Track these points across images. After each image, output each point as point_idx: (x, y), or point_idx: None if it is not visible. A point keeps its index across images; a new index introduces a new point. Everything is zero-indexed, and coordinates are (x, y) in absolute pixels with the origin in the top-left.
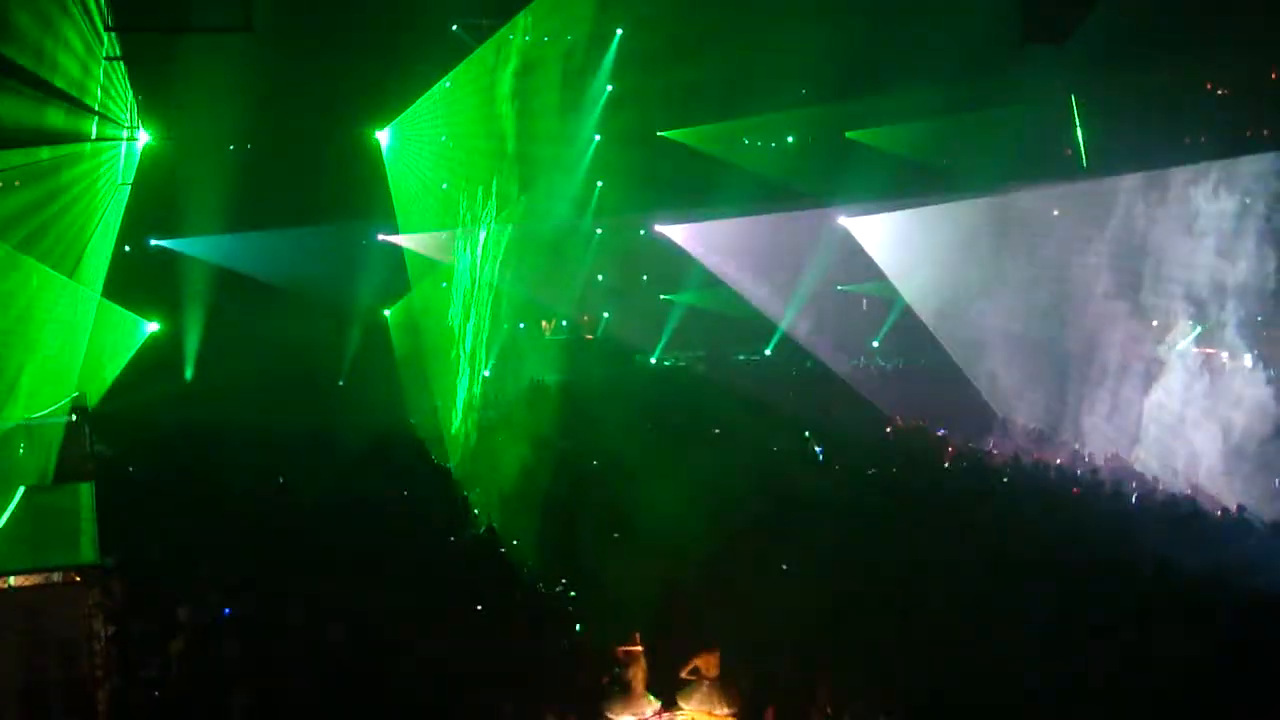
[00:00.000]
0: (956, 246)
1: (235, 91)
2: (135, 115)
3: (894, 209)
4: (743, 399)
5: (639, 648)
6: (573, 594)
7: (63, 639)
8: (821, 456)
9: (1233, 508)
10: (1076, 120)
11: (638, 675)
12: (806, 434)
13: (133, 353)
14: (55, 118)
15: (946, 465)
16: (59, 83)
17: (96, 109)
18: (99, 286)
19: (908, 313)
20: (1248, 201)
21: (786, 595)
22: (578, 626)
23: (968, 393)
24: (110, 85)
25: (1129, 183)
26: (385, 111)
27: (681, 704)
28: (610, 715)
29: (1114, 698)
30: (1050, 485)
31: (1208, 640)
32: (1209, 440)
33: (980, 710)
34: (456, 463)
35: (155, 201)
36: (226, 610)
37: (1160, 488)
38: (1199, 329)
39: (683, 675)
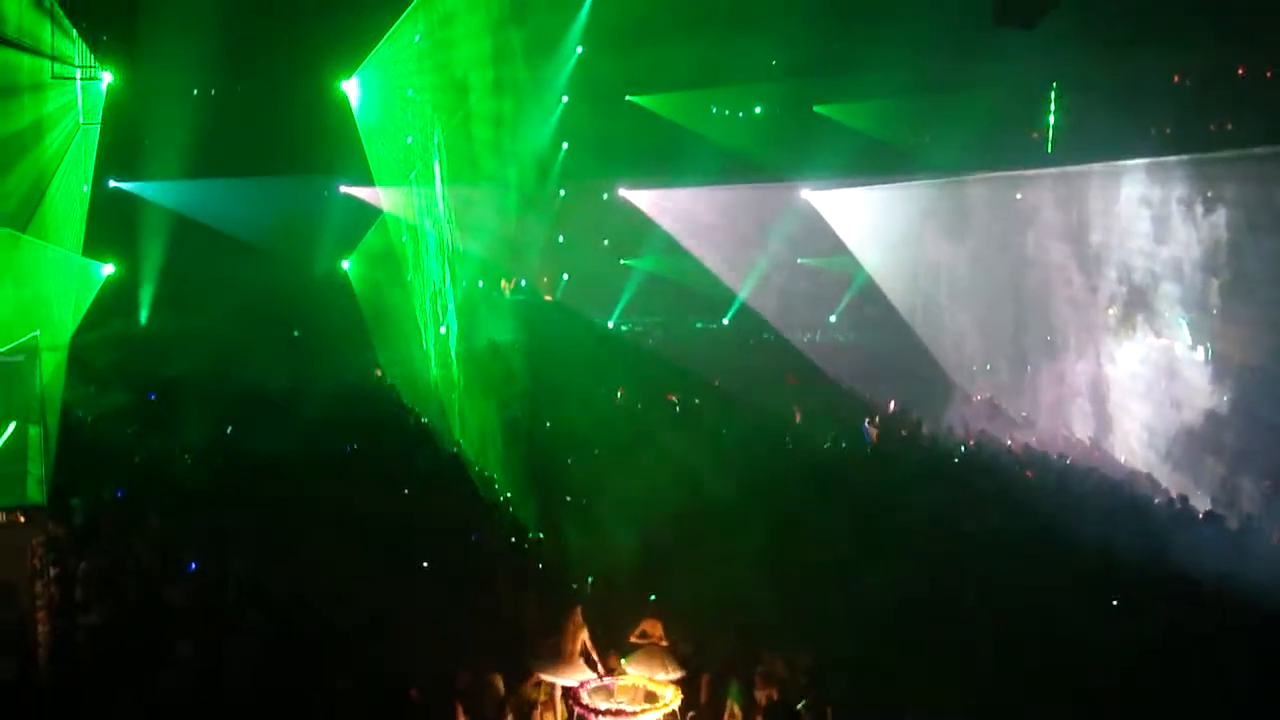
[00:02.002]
0: (919, 225)
1: (199, 35)
2: (92, 56)
3: (858, 185)
4: (698, 368)
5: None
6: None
7: (4, 579)
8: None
9: (1174, 495)
10: (1051, 105)
11: (574, 639)
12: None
13: (92, 296)
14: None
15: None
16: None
17: (49, 52)
18: (61, 227)
19: (866, 288)
20: (1209, 195)
21: (734, 565)
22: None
23: (926, 368)
24: (60, 26)
25: (1093, 171)
26: (351, 60)
27: (626, 668)
28: (542, 676)
29: (1046, 677)
30: (1001, 466)
31: (1142, 627)
32: (1156, 428)
33: (920, 681)
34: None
35: (115, 143)
36: (193, 565)
37: (1108, 472)
38: (1183, 322)
39: (630, 639)
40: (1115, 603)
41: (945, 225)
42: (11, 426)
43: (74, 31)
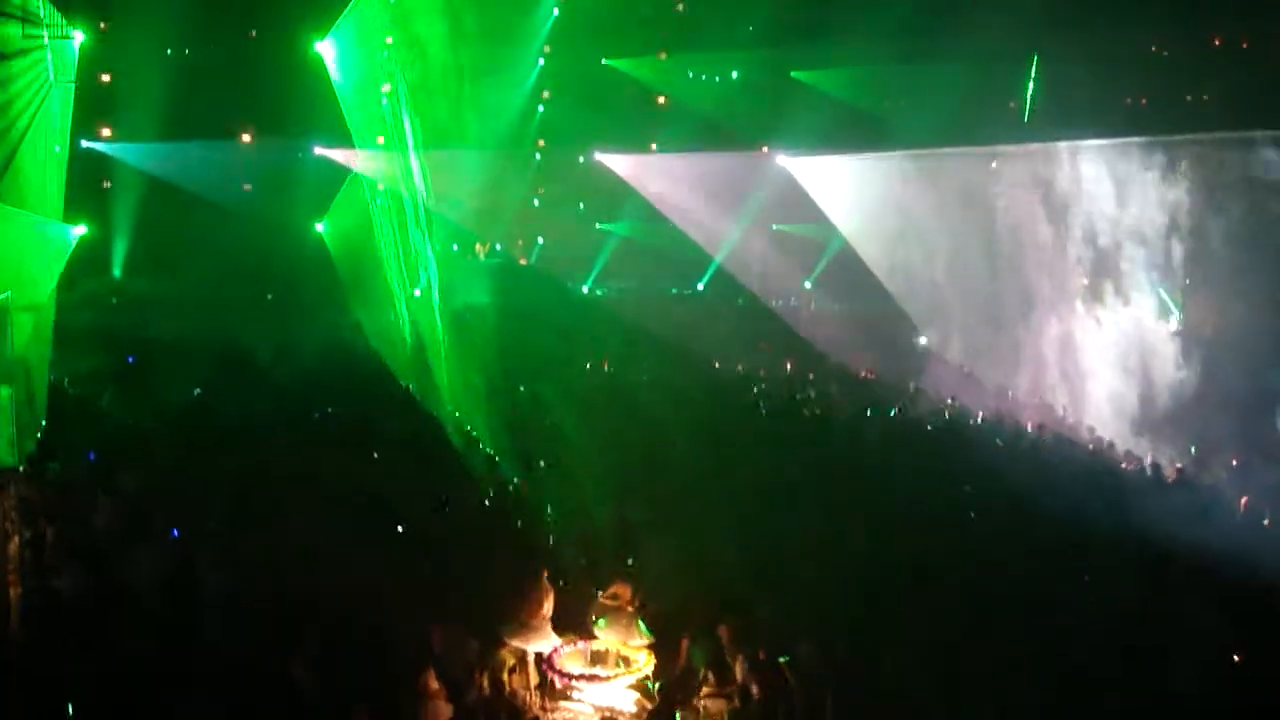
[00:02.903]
0: (895, 193)
1: None
2: (61, 16)
3: (835, 154)
4: (672, 334)
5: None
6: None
7: None
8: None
9: (1146, 463)
10: (1032, 76)
11: (544, 603)
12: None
13: (66, 258)
14: None
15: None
16: None
17: (17, 13)
18: (36, 189)
19: (842, 254)
20: (1179, 166)
21: (708, 530)
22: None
23: (902, 333)
24: None
25: (1067, 145)
26: (325, 19)
27: (598, 634)
28: (512, 640)
29: (1016, 646)
30: (972, 435)
31: (1113, 596)
32: (1128, 396)
33: (894, 651)
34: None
35: (87, 104)
36: (175, 532)
37: (1080, 440)
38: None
39: (601, 600)
40: (1085, 575)
41: (920, 194)
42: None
43: None
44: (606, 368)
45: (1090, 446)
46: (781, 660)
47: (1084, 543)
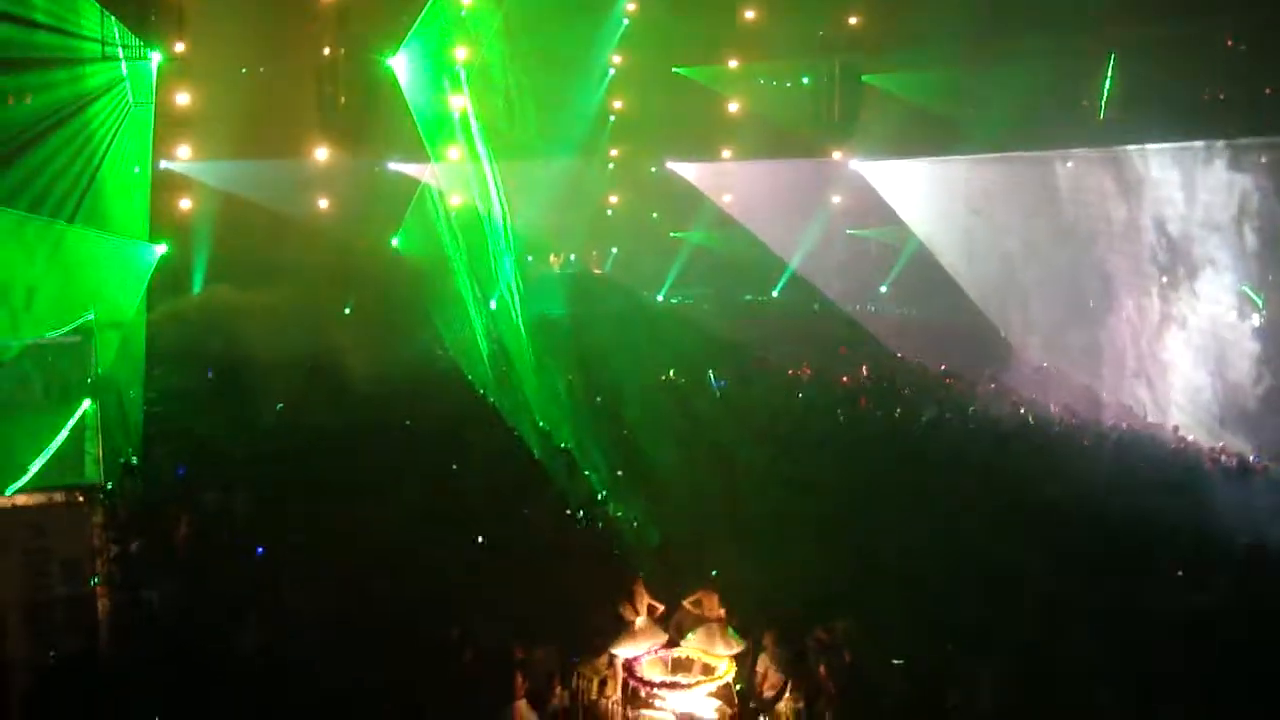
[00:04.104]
0: (970, 196)
1: (246, 16)
2: (137, 38)
3: (908, 158)
4: (748, 340)
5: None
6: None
7: (66, 557)
8: (719, 390)
9: (1230, 459)
10: (1108, 75)
11: (632, 611)
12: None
13: (148, 277)
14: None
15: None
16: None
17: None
18: (119, 210)
19: (917, 256)
20: (1261, 164)
21: (789, 537)
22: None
23: (980, 334)
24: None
25: (1145, 148)
26: (401, 40)
27: (681, 642)
28: (614, 651)
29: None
30: (1053, 435)
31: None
32: (1211, 393)
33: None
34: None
35: (165, 123)
36: (260, 550)
37: (1164, 438)
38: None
39: (684, 608)
40: (1174, 573)
41: (994, 195)
42: (84, 404)
43: (112, 18)
44: (674, 376)
45: (1173, 444)
46: (896, 663)
47: (1170, 541)
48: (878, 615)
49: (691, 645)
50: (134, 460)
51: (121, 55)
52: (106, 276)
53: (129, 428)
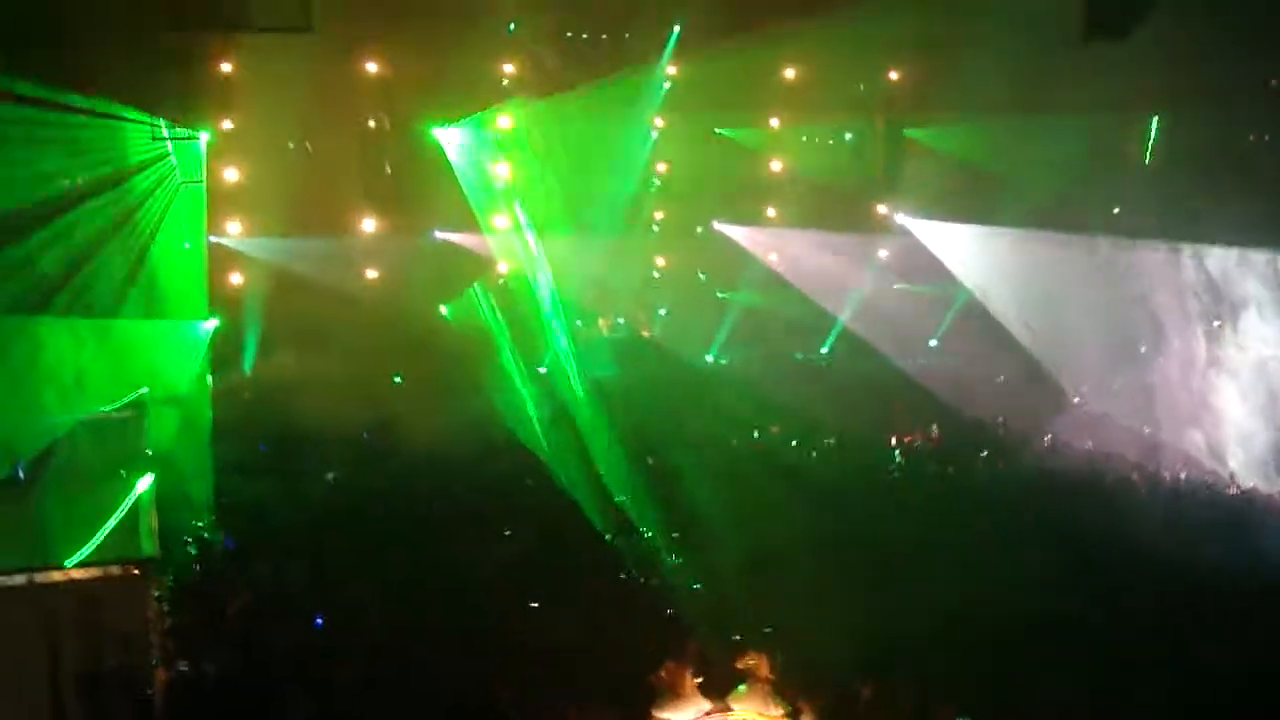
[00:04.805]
0: (1020, 249)
1: (292, 91)
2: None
3: (951, 220)
4: (798, 399)
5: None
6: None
7: (122, 630)
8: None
9: None
10: (1153, 129)
11: (686, 674)
12: None
13: (203, 353)
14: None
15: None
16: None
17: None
18: (174, 288)
19: (966, 310)
20: None
21: (844, 596)
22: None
23: (1036, 386)
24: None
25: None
26: (445, 110)
27: (733, 704)
28: (658, 714)
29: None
30: (1110, 484)
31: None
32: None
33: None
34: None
35: (215, 200)
36: (319, 621)
37: (1221, 488)
38: None
39: (738, 670)
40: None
41: (1043, 249)
42: (148, 477)
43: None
44: (724, 437)
45: (1231, 491)
46: None
47: (1231, 593)
48: (936, 672)
49: (745, 707)
50: (204, 534)
51: (167, 135)
52: (159, 353)
53: (193, 502)
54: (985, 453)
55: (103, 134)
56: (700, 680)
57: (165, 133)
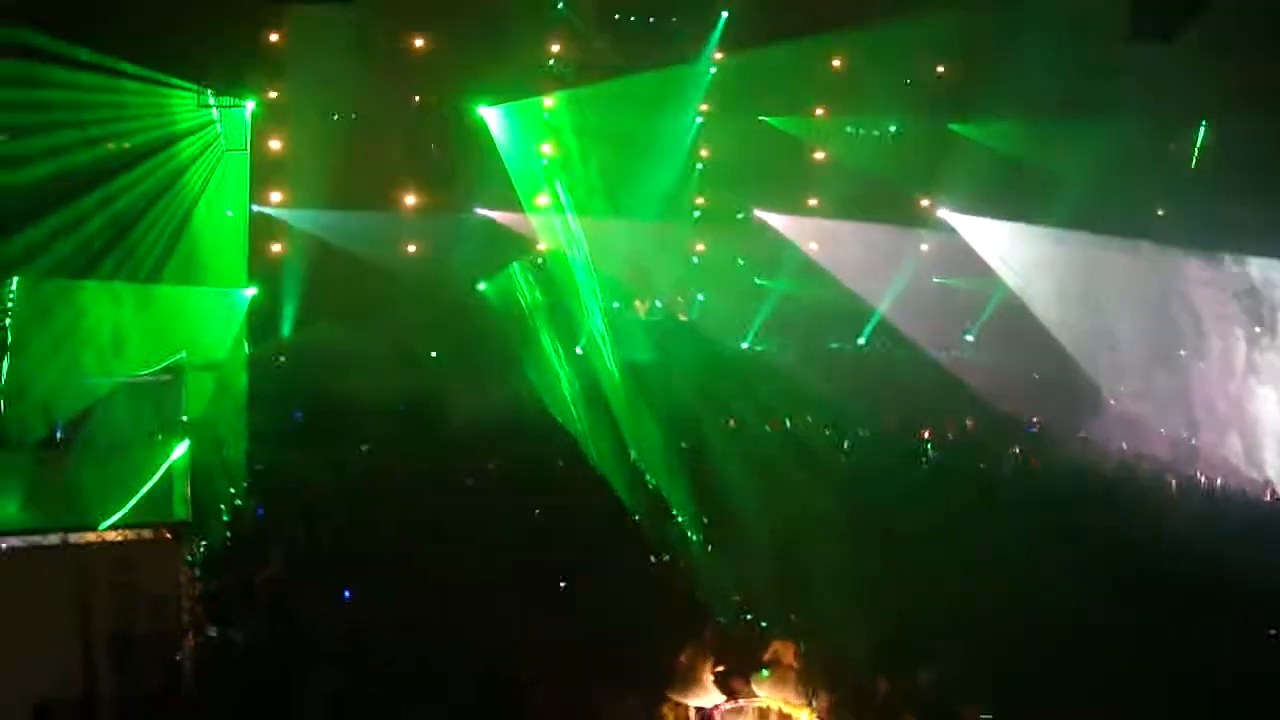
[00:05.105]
0: (1061, 247)
1: (338, 62)
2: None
3: (993, 216)
4: (833, 388)
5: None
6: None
7: (153, 593)
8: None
9: None
10: (1200, 136)
11: (707, 660)
12: None
13: (240, 320)
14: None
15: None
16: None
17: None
18: (215, 254)
19: (1004, 305)
20: None
21: (871, 588)
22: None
23: (1072, 384)
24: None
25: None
26: (489, 87)
27: (759, 690)
28: (675, 698)
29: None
30: (1143, 486)
31: None
32: None
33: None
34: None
35: (259, 169)
36: (347, 593)
37: (1256, 492)
38: None
39: (765, 658)
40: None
41: (1084, 247)
42: (180, 444)
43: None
44: (733, 424)
45: (1268, 495)
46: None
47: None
48: (960, 665)
49: (770, 695)
50: (237, 501)
51: (213, 103)
52: (198, 319)
53: (227, 468)
54: (1017, 449)
55: (149, 100)
56: (722, 667)
57: (211, 100)
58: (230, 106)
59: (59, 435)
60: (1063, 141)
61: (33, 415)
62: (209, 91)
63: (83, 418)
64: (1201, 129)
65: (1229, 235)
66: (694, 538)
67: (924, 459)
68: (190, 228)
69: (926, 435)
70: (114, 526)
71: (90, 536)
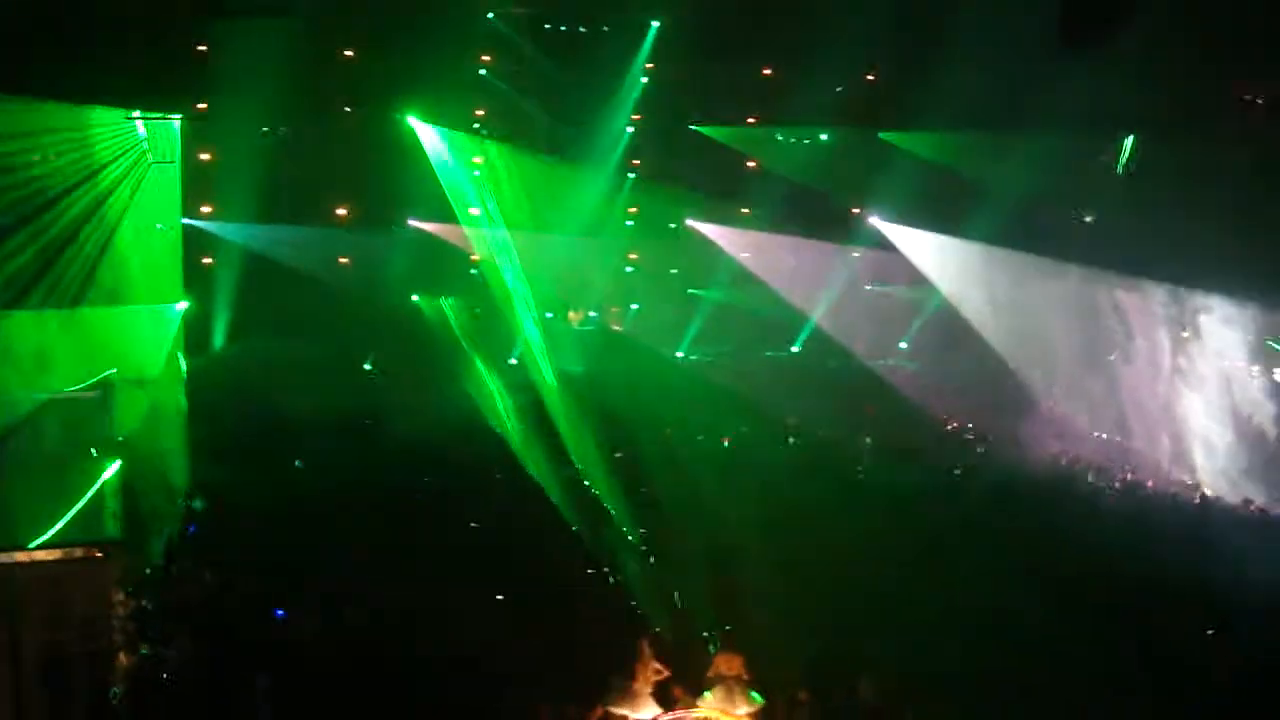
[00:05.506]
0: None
1: (268, 75)
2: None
3: (923, 228)
4: (765, 397)
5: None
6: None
7: (84, 613)
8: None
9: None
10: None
11: (647, 671)
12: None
13: (173, 334)
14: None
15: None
16: None
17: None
18: (144, 268)
19: (938, 313)
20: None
21: (808, 597)
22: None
23: (1004, 390)
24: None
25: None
26: (420, 98)
27: (699, 703)
28: (613, 710)
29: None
30: (1075, 489)
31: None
32: (1229, 445)
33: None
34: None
35: (188, 182)
36: (279, 612)
37: (1186, 495)
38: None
39: (708, 676)
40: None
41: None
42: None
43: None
44: (669, 433)
45: (1198, 497)
46: None
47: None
48: (899, 672)
49: (710, 705)
50: (170, 518)
51: (139, 116)
52: (127, 337)
53: (161, 484)
54: (954, 454)
55: (72, 123)
56: (661, 678)
57: (137, 114)
58: (158, 119)
59: None
60: (992, 150)
61: None
62: (135, 109)
63: (8, 435)
64: (1129, 139)
65: (1155, 241)
66: (632, 548)
67: (859, 466)
68: (117, 244)
69: (866, 442)
70: (44, 545)
71: (19, 556)
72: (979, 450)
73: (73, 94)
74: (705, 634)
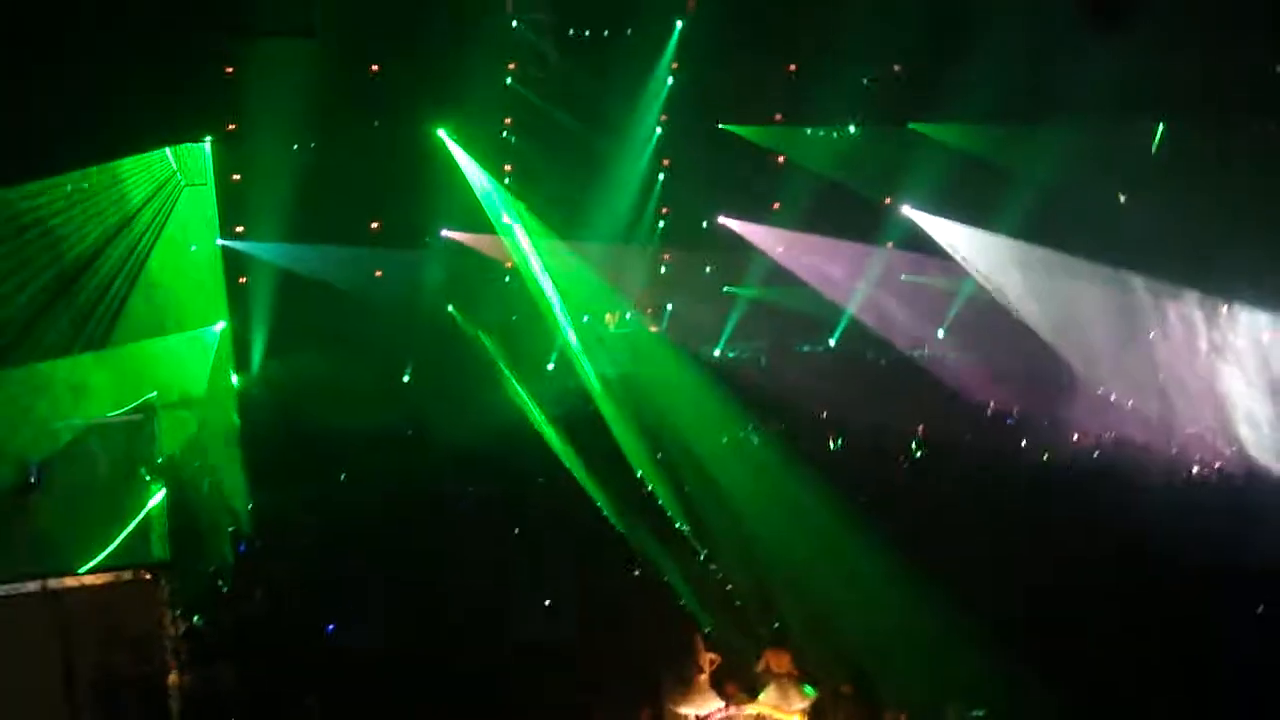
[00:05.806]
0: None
1: (296, 93)
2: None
3: (954, 219)
4: (803, 391)
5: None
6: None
7: (135, 635)
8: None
9: None
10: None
11: (699, 669)
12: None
13: (212, 355)
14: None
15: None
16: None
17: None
18: (181, 292)
19: (974, 300)
20: None
21: (858, 595)
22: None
23: (1045, 373)
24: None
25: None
26: (449, 109)
27: (751, 700)
28: (672, 707)
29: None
30: (1122, 473)
31: None
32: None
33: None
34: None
35: (222, 203)
36: (330, 627)
37: (1233, 470)
38: None
39: (760, 664)
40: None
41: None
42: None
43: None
44: (711, 432)
45: (1244, 473)
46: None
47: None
48: (953, 666)
49: (764, 702)
50: (218, 537)
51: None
52: (166, 360)
53: (209, 505)
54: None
55: (107, 175)
56: (714, 668)
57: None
58: (184, 142)
59: (34, 479)
60: (1023, 137)
61: (3, 465)
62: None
63: (54, 462)
64: (1160, 124)
65: (1187, 220)
66: (679, 547)
67: (905, 460)
68: (150, 274)
69: (921, 432)
70: (93, 570)
71: (69, 581)
72: (1021, 439)
73: (109, 154)
74: (755, 632)
